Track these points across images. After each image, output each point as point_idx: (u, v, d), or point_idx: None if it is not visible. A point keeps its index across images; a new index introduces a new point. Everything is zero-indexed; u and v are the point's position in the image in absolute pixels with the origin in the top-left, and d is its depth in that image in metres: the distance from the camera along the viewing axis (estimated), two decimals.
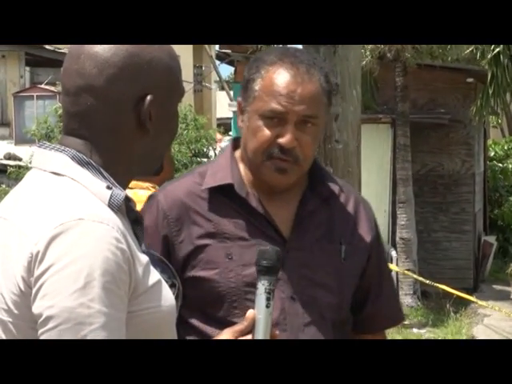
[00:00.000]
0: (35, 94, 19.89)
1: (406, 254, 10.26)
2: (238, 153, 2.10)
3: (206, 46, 12.82)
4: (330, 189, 2.11)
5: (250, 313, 1.81)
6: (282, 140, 2.00)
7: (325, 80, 2.04)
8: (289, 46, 2.20)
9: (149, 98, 1.53)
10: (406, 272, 8.81)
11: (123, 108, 1.53)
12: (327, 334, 2.01)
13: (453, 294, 8.54)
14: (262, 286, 1.81)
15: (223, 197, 2.02)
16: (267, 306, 1.80)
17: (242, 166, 2.09)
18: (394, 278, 10.16)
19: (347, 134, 4.47)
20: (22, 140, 18.11)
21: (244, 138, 2.06)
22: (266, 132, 2.00)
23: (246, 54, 10.97)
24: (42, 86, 20.48)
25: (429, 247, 11.11)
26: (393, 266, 9.07)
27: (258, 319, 1.80)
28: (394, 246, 10.38)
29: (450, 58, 11.00)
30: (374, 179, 10.10)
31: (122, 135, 1.54)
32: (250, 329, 1.80)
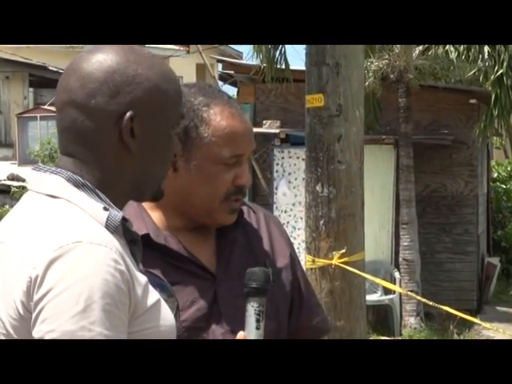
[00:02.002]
0: (39, 115, 19.93)
1: (409, 275, 10.23)
2: None
3: (209, 66, 12.82)
4: (242, 212, 2.09)
5: (240, 335, 1.80)
6: (242, 181, 1.98)
7: None
8: (196, 82, 2.18)
9: (128, 114, 1.52)
10: (409, 293, 8.77)
11: (104, 123, 1.53)
12: None
13: (456, 316, 8.49)
14: (251, 308, 1.81)
15: (143, 248, 1.91)
16: (257, 328, 1.81)
17: (153, 214, 2.03)
18: (398, 300, 10.12)
19: (350, 154, 4.47)
20: (25, 161, 18.12)
21: (186, 186, 1.99)
22: (226, 177, 1.97)
23: (249, 75, 10.99)
24: (46, 106, 20.52)
25: (432, 268, 11.07)
26: (396, 287, 9.03)
27: None
28: (397, 267, 10.35)
29: (452, 80, 11.00)
30: (376, 200, 10.08)
31: (106, 152, 1.54)
32: None
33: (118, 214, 1.50)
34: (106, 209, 1.50)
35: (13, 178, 16.31)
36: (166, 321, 1.51)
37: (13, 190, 14.05)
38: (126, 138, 1.53)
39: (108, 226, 1.48)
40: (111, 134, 1.53)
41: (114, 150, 1.54)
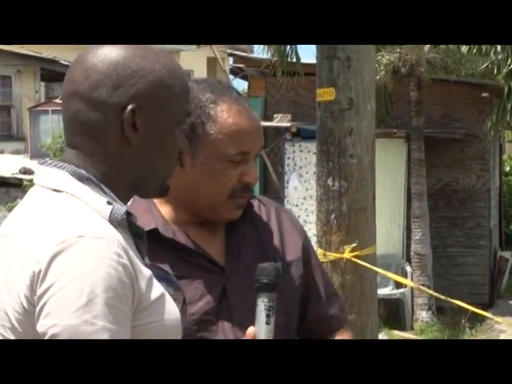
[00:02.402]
0: (50, 109, 19.96)
1: (421, 269, 10.21)
2: None
3: (220, 60, 12.82)
4: (251, 206, 2.09)
5: (250, 330, 1.81)
6: (248, 179, 1.98)
7: None
8: (206, 77, 2.17)
9: (130, 107, 1.52)
10: (420, 287, 8.75)
11: (107, 115, 1.53)
12: None
13: (468, 310, 8.47)
14: (261, 303, 1.81)
15: (152, 241, 1.91)
16: (267, 323, 1.81)
17: (162, 208, 2.04)
18: (409, 294, 10.11)
19: (361, 148, 4.46)
20: (37, 154, 18.15)
21: (192, 182, 1.99)
22: (232, 174, 1.97)
23: (260, 69, 10.97)
24: (57, 100, 20.56)
25: (444, 262, 11.05)
26: (408, 281, 9.02)
27: (259, 336, 1.80)
28: (409, 261, 10.33)
29: (464, 73, 10.97)
30: (388, 194, 10.06)
31: (109, 145, 1.54)
32: None
33: (121, 208, 1.51)
34: (109, 203, 1.50)
35: (25, 171, 16.34)
36: (170, 314, 1.51)
37: (24, 183, 14.08)
38: (127, 132, 1.53)
39: (111, 220, 1.49)
40: (113, 126, 1.53)
41: (116, 144, 1.54)
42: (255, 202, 2.10)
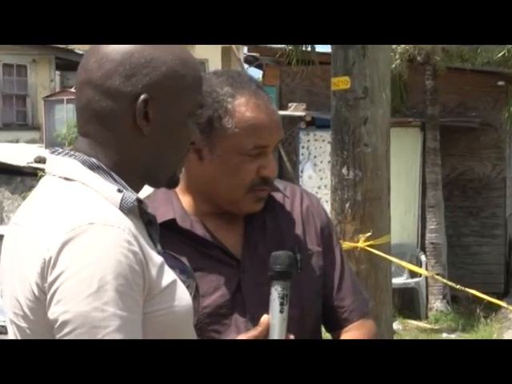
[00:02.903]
0: (65, 98, 19.98)
1: (436, 259, 10.19)
2: None
3: (235, 49, 12.81)
4: (273, 197, 2.07)
5: (264, 318, 1.80)
6: (267, 172, 1.97)
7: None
8: (227, 69, 2.15)
9: (142, 97, 1.52)
10: (435, 276, 8.74)
11: (119, 104, 1.53)
12: None
13: (483, 299, 8.45)
14: (275, 292, 1.81)
15: (169, 232, 1.93)
16: (281, 311, 1.81)
17: (183, 198, 2.04)
18: (424, 283, 10.10)
19: (376, 137, 4.45)
20: (52, 144, 18.18)
21: (211, 176, 1.98)
22: (250, 167, 1.96)
23: (275, 58, 10.95)
24: (72, 89, 20.59)
25: (458, 251, 11.03)
26: (422, 271, 9.01)
27: (273, 324, 1.81)
28: (423, 250, 10.32)
29: (480, 61, 10.91)
30: (403, 183, 10.04)
31: (121, 134, 1.54)
32: (265, 334, 1.80)
33: (132, 196, 1.51)
34: (120, 190, 1.50)
35: (40, 160, 16.37)
36: (182, 301, 1.51)
37: (39, 173, 14.14)
38: (139, 121, 1.53)
39: (122, 208, 1.49)
40: (125, 115, 1.53)
41: (128, 133, 1.54)
42: (278, 195, 2.09)
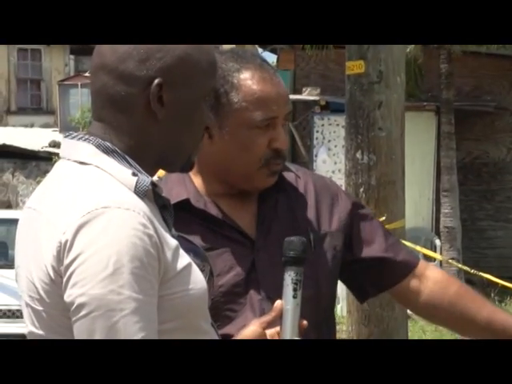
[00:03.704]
0: (80, 83, 20.02)
1: (450, 243, 10.19)
2: None
3: None
4: (286, 179, 2.08)
5: (277, 303, 1.81)
6: (278, 144, 1.96)
7: None
8: (231, 47, 2.15)
9: (157, 81, 1.52)
10: (449, 261, 8.73)
11: (133, 87, 1.52)
12: (309, 329, 1.92)
13: (498, 284, 8.45)
14: (288, 277, 1.81)
15: (183, 212, 1.93)
16: (294, 297, 1.81)
17: (196, 179, 2.04)
18: (438, 267, 10.09)
19: (391, 121, 4.43)
20: (66, 128, 18.24)
21: (223, 153, 1.98)
22: (260, 140, 1.96)
23: None
24: (87, 74, 20.62)
25: (473, 236, 11.01)
26: (436, 255, 9.00)
27: (286, 310, 1.81)
28: (438, 234, 10.31)
29: (495, 45, 10.86)
30: (417, 167, 10.02)
31: (135, 118, 1.54)
32: (278, 319, 1.80)
33: (146, 179, 1.51)
34: (134, 174, 1.50)
35: (54, 145, 16.44)
36: (197, 284, 1.52)
37: (54, 157, 14.18)
38: (153, 106, 1.53)
39: (137, 191, 1.49)
40: (140, 100, 1.53)
41: (142, 117, 1.54)
42: (291, 176, 2.09)
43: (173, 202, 1.85)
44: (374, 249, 2.13)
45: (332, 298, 2.12)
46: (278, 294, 1.84)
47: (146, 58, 1.52)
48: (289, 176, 2.09)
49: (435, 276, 2.15)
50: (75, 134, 1.57)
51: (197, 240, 1.94)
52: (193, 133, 1.61)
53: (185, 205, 1.98)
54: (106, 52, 1.54)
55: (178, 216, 1.73)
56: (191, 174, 2.04)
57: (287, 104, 2.01)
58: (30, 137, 17.60)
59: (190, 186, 2.04)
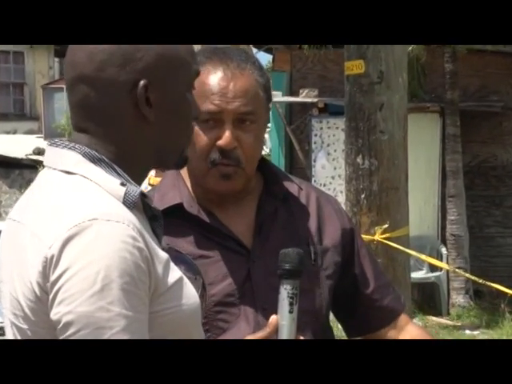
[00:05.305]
0: (65, 86, 20.05)
1: (457, 251, 10.18)
2: (184, 170, 2.06)
3: None
4: (287, 189, 2.09)
5: (273, 318, 1.81)
6: (220, 142, 1.97)
7: (259, 73, 2.01)
8: (219, 45, 2.15)
9: (142, 82, 1.52)
10: (457, 270, 8.73)
11: (117, 94, 1.53)
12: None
13: (508, 294, 8.46)
14: (284, 291, 1.81)
15: (176, 218, 1.97)
16: (290, 312, 1.80)
17: (190, 183, 2.06)
18: (445, 277, 10.09)
19: (393, 124, 4.44)
20: (51, 134, 18.24)
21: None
22: (204, 137, 1.97)
23: None
24: None
25: (481, 243, 11.01)
26: (443, 264, 9.01)
27: (282, 325, 1.81)
28: (444, 242, 10.31)
29: None
30: (421, 172, 10.03)
31: (123, 125, 1.54)
32: (273, 335, 1.80)
33: (135, 190, 1.51)
34: (123, 184, 1.50)
35: (39, 152, 16.43)
36: (189, 299, 1.52)
37: (39, 166, 14.18)
38: (142, 108, 1.53)
39: (126, 202, 1.49)
40: (126, 105, 1.53)
41: (131, 122, 1.54)
42: (293, 187, 2.10)
43: (164, 207, 1.86)
44: (362, 286, 2.14)
45: (328, 312, 2.13)
46: (274, 306, 1.84)
47: (125, 61, 1.52)
48: (291, 187, 2.10)
49: (414, 334, 2.15)
50: (60, 141, 1.56)
51: (190, 247, 1.96)
52: (184, 125, 1.62)
53: (178, 210, 2.00)
54: (82, 62, 1.54)
55: (170, 222, 1.73)
56: (185, 177, 2.05)
57: (239, 102, 1.98)
58: (13, 144, 17.59)
59: (184, 190, 2.05)
